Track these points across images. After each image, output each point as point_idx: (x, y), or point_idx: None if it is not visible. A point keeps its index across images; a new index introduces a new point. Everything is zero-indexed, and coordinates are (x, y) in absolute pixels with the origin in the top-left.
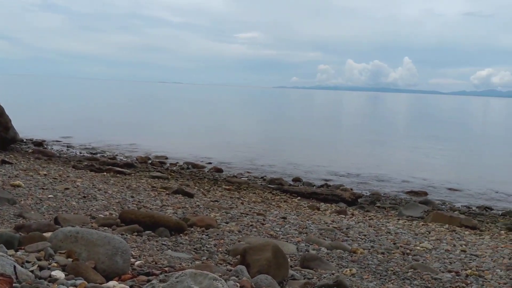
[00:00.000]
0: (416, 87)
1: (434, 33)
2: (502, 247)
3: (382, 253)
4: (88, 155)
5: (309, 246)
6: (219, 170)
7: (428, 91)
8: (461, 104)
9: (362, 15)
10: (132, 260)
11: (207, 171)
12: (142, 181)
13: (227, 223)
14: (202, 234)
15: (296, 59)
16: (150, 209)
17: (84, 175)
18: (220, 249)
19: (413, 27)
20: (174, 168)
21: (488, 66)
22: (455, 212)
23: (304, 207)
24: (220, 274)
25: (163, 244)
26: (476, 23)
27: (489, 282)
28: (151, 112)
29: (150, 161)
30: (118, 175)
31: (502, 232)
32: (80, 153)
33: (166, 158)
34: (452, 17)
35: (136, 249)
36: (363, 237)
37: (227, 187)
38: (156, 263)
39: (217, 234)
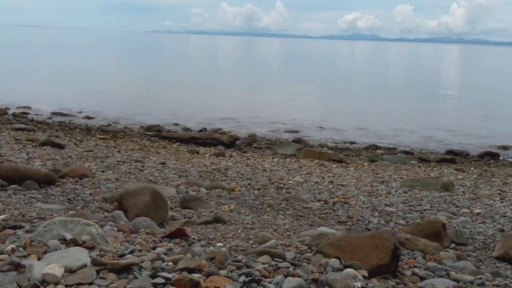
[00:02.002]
0: (288, 31)
1: None
2: (364, 177)
3: (258, 189)
4: None
5: (188, 188)
6: (92, 119)
7: (299, 35)
8: (330, 47)
9: None
10: None
11: (79, 121)
12: (4, 134)
13: (103, 172)
14: (76, 185)
15: (168, 2)
16: (15, 162)
17: None
18: (97, 198)
19: None
20: (40, 119)
21: (354, 10)
22: (324, 148)
23: (184, 152)
24: (96, 221)
25: (31, 197)
26: None
27: (354, 207)
28: (6, 59)
29: (11, 113)
30: None
31: (365, 163)
32: None
33: (30, 109)
34: None
35: (0, 204)
36: (241, 176)
37: (101, 136)
38: (23, 216)
39: (93, 184)
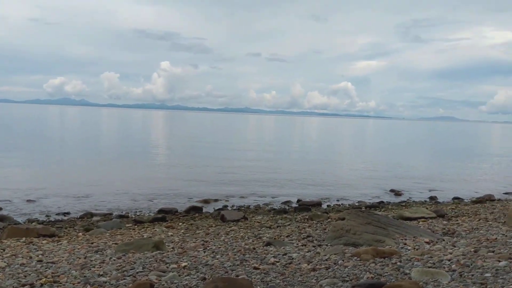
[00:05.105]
0: None
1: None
2: (78, 249)
3: None
4: None
5: None
6: None
7: None
8: (36, 112)
9: None
10: None
11: None
12: None
13: None
14: None
15: None
16: None
17: None
18: None
19: None
20: None
21: (60, 75)
22: (33, 224)
23: None
24: None
25: None
26: (43, 30)
27: (64, 285)
28: None
29: None
30: None
31: (80, 234)
32: None
33: None
34: (17, 22)
35: None
36: None
37: None
38: None
39: None
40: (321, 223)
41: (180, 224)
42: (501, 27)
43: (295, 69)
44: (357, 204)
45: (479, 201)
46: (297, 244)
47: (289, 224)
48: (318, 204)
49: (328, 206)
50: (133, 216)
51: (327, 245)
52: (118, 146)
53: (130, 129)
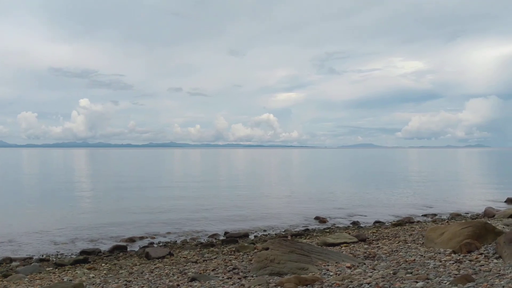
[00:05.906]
0: None
1: None
2: None
3: None
4: None
5: None
6: None
7: None
8: None
9: None
10: None
11: None
12: None
13: None
14: None
15: None
16: None
17: None
18: None
19: None
20: None
21: None
22: None
23: None
24: None
25: None
26: None
27: None
28: None
29: None
30: None
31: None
32: None
33: None
34: None
35: None
36: None
37: None
38: None
39: None
40: (247, 254)
41: (103, 264)
42: (410, 57)
43: (218, 103)
44: (283, 233)
45: (399, 223)
46: (223, 277)
47: (215, 258)
48: (245, 235)
49: (255, 236)
50: (54, 259)
51: (252, 277)
52: (38, 187)
53: (50, 169)
